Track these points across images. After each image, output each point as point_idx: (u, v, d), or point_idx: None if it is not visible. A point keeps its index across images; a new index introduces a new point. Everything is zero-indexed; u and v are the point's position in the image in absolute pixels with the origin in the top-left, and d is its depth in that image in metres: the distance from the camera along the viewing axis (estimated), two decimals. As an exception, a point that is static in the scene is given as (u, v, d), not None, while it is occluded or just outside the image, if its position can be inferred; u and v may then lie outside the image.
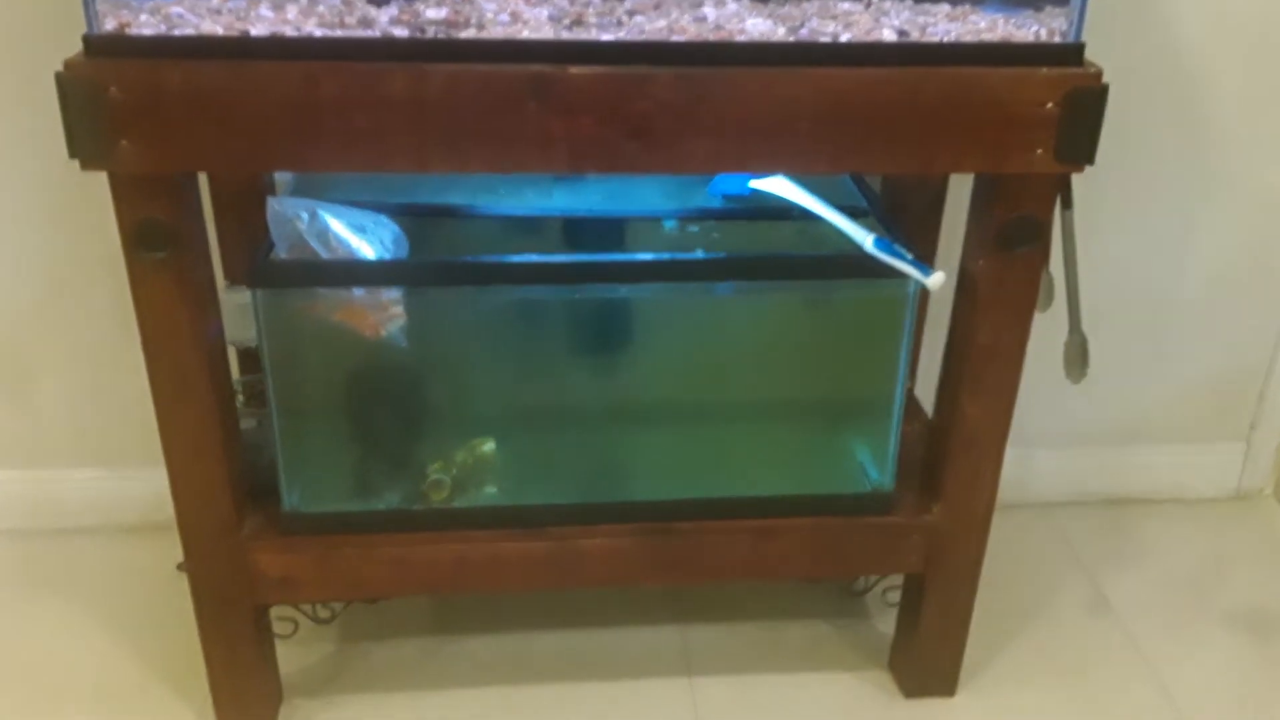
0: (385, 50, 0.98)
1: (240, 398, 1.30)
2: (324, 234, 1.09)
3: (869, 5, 1.10)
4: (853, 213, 1.21)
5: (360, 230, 1.11)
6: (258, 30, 0.98)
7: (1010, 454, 1.22)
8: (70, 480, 1.62)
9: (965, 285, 1.15)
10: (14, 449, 1.60)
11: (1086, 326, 1.22)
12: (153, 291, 1.05)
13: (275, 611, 1.30)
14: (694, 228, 1.27)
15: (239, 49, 0.96)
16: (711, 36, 1.02)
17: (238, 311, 1.17)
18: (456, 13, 1.04)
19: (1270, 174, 1.54)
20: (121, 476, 1.60)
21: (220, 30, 0.98)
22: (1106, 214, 1.54)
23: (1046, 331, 1.20)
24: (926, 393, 1.30)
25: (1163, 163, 1.53)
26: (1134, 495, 1.75)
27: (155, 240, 1.02)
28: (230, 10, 1.04)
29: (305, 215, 1.09)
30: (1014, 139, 1.01)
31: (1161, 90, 1.47)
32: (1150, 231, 1.58)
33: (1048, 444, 1.70)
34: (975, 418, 1.19)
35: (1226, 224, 1.58)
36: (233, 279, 1.29)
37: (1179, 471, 1.76)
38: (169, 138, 0.96)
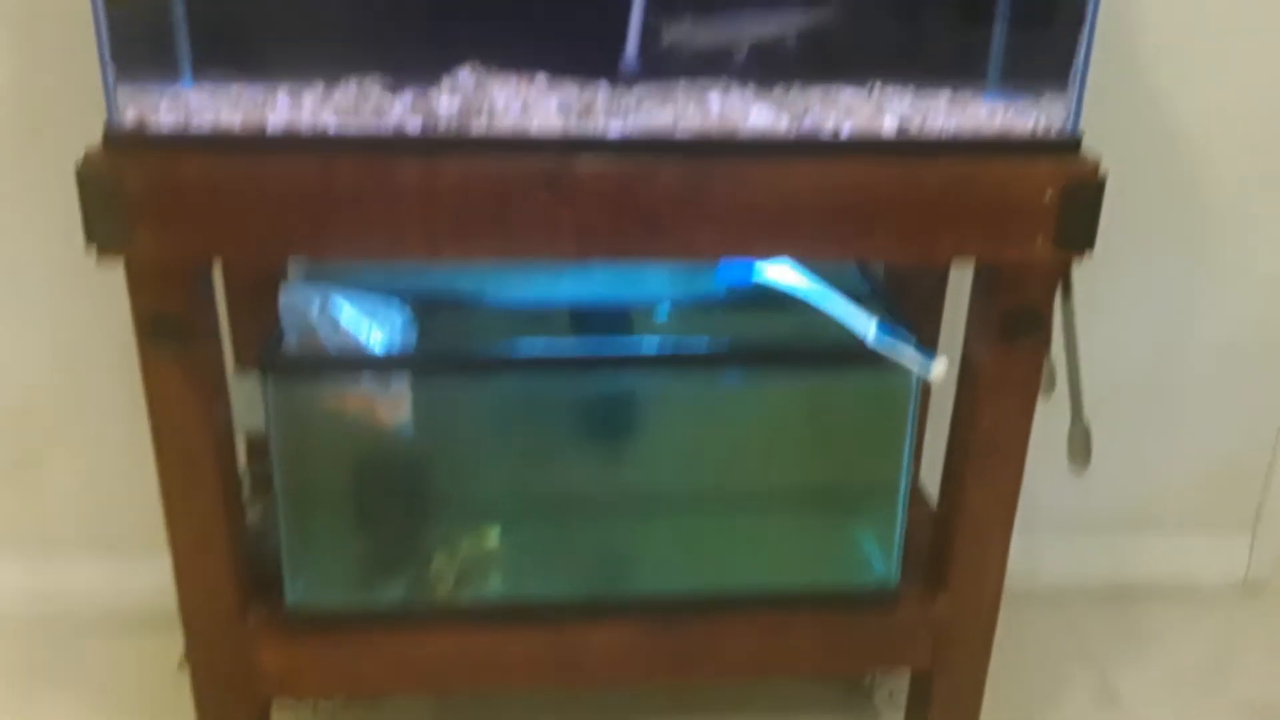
0: (398, 142, 1.00)
1: (246, 486, 1.29)
2: (334, 321, 1.10)
3: (870, 94, 1.14)
4: (857, 298, 1.22)
5: (371, 316, 1.13)
6: (275, 120, 1.01)
7: (1016, 542, 1.21)
8: (73, 568, 1.60)
9: (967, 374, 1.16)
10: (17, 535, 1.59)
11: (1090, 413, 1.22)
12: (164, 381, 1.06)
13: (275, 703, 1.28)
14: (700, 316, 1.28)
15: (255, 141, 0.99)
16: (716, 127, 1.05)
17: (248, 399, 1.18)
18: (468, 103, 1.07)
19: (1271, 259, 1.56)
20: (125, 565, 1.59)
21: (238, 120, 1.01)
22: (1107, 299, 1.55)
23: (1050, 418, 1.21)
24: (932, 478, 1.30)
25: (1163, 248, 1.55)
26: (1142, 583, 1.74)
27: (169, 330, 1.03)
28: (248, 100, 1.07)
29: (316, 302, 1.10)
30: (1014, 228, 1.03)
31: (1161, 176, 1.50)
32: (1152, 317, 1.59)
33: (1054, 532, 1.70)
34: (980, 507, 1.19)
35: (1228, 309, 1.59)
36: (244, 364, 1.29)
37: (1186, 560, 1.74)
38: (185, 227, 0.98)
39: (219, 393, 1.11)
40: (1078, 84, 1.02)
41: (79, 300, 1.45)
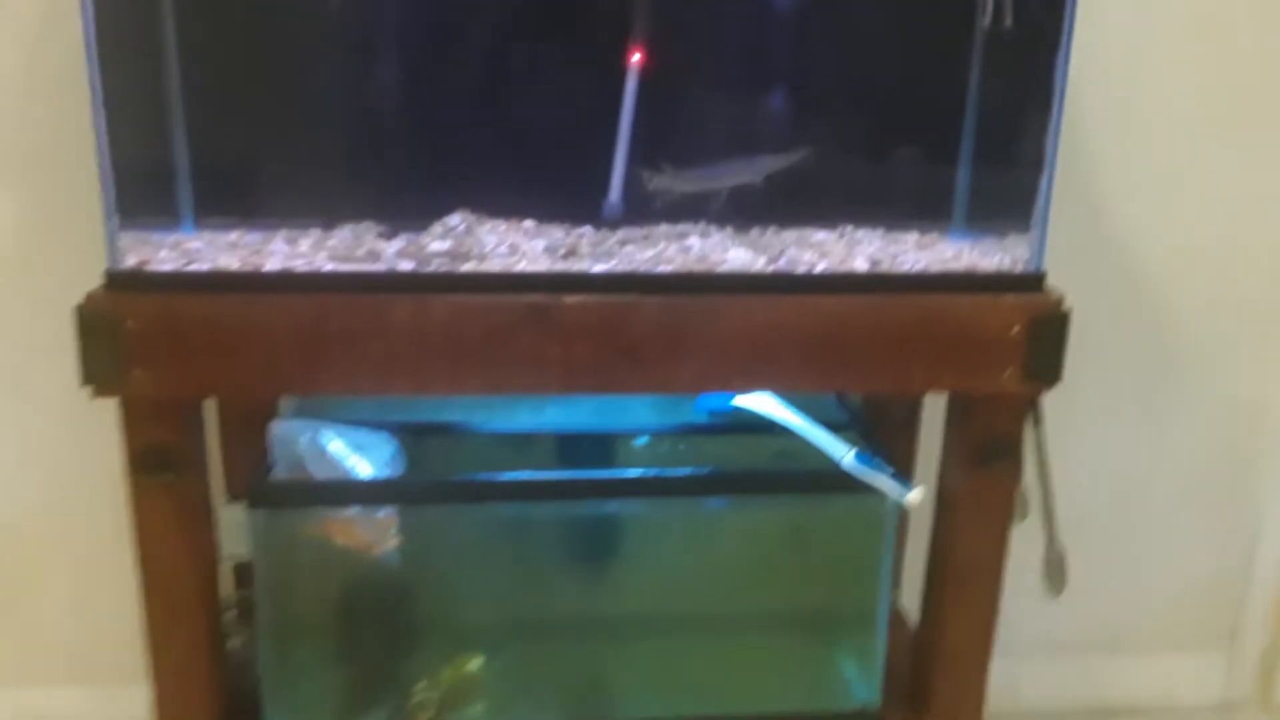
0: (390, 283, 1.04)
1: (230, 614, 1.29)
2: (323, 454, 1.12)
3: (842, 235, 1.19)
4: (834, 427, 1.25)
5: (359, 449, 1.15)
6: (271, 264, 1.05)
7: (996, 665, 1.22)
8: (57, 695, 1.58)
9: (943, 500, 1.19)
10: (2, 662, 1.57)
11: (1064, 537, 1.25)
12: (152, 513, 1.07)
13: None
14: (681, 443, 1.31)
15: (252, 284, 1.02)
16: (696, 266, 1.09)
17: (236, 528, 1.19)
18: (459, 245, 1.11)
19: (1234, 384, 1.61)
20: (109, 693, 1.57)
21: (236, 264, 1.05)
22: (1077, 425, 1.59)
23: (1026, 542, 1.23)
24: (912, 600, 1.31)
25: (1128, 376, 1.60)
26: (1121, 705, 1.74)
27: (159, 464, 1.05)
28: (246, 245, 1.11)
29: (306, 436, 1.12)
30: (984, 361, 1.07)
31: (1123, 307, 1.56)
32: (1121, 442, 1.63)
33: (1033, 654, 1.70)
34: (959, 631, 1.21)
35: (1195, 433, 1.63)
36: (233, 494, 1.31)
37: (1165, 681, 1.75)
38: (181, 366, 1.01)
39: (206, 524, 1.12)
40: (1040, 224, 1.08)
41: (69, 431, 1.47)
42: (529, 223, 1.17)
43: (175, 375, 1.01)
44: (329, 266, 1.05)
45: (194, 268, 1.04)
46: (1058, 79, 1.03)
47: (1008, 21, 1.08)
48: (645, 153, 1.13)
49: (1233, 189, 1.52)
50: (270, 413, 1.25)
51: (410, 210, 1.15)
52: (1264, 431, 1.64)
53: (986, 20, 1.10)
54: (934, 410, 1.30)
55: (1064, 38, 1.03)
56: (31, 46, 1.33)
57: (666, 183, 1.14)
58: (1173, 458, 1.64)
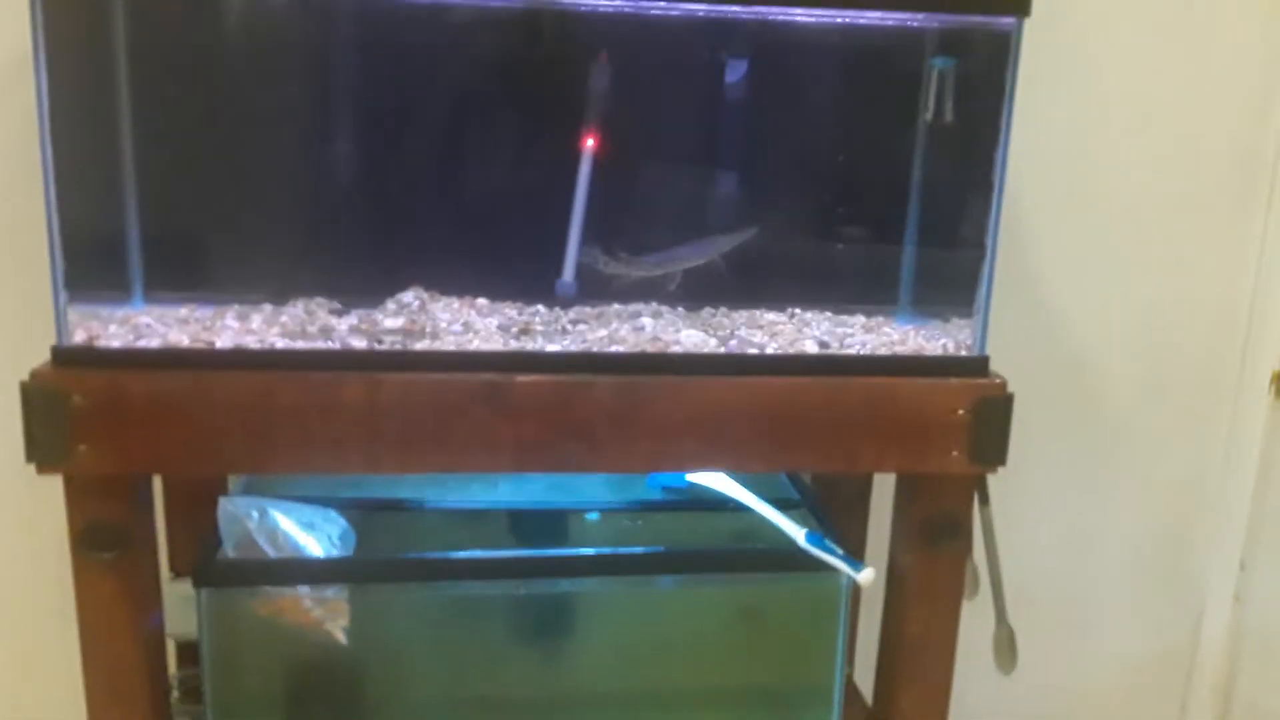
0: (342, 360, 1.04)
1: (175, 693, 1.27)
2: (273, 532, 1.11)
3: (792, 317, 1.21)
4: (785, 504, 1.26)
5: (309, 527, 1.14)
6: (223, 340, 1.05)
7: (950, 743, 1.22)
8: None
9: (894, 579, 1.20)
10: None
11: (1013, 616, 1.26)
12: (96, 591, 1.05)
13: None
14: (634, 520, 1.31)
15: (201, 360, 1.02)
16: (649, 346, 1.10)
17: (181, 605, 1.17)
18: (413, 322, 1.12)
19: (1172, 463, 1.65)
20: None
21: (186, 340, 1.04)
22: (1023, 505, 1.61)
23: (976, 620, 1.24)
24: (866, 675, 1.31)
25: (1072, 455, 1.62)
26: (1076, 781, 1.74)
27: (104, 541, 1.04)
28: (197, 320, 1.11)
29: (255, 514, 1.11)
30: (930, 443, 1.08)
31: (1066, 387, 1.59)
32: (1067, 520, 1.65)
33: (987, 729, 1.71)
34: (912, 708, 1.21)
35: (1138, 511, 1.66)
36: (178, 571, 1.29)
37: (1119, 756, 1.76)
38: (128, 443, 1.00)
39: (151, 602, 1.11)
40: (982, 309, 1.10)
41: (9, 504, 1.44)
42: (482, 301, 1.18)
43: (122, 451, 1.00)
44: (281, 343, 1.05)
45: (143, 343, 1.03)
46: (997, 170, 1.07)
47: (948, 116, 1.11)
48: (598, 233, 1.15)
49: (1166, 274, 1.57)
50: (218, 488, 1.24)
51: (364, 286, 1.15)
52: (1203, 509, 1.67)
53: (928, 115, 1.13)
54: (885, 488, 1.32)
55: (1003, 131, 1.06)
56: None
57: (621, 268, 1.15)
58: (1117, 536, 1.67)
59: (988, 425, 1.08)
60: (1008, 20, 1.03)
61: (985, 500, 1.18)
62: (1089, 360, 1.58)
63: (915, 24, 1.12)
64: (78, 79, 1.04)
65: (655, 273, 1.16)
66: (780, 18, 1.10)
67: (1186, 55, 1.49)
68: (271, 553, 1.11)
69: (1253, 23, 1.49)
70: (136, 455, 1.01)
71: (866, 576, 1.14)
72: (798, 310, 1.21)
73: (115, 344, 1.03)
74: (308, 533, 1.13)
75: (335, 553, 1.15)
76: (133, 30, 1.08)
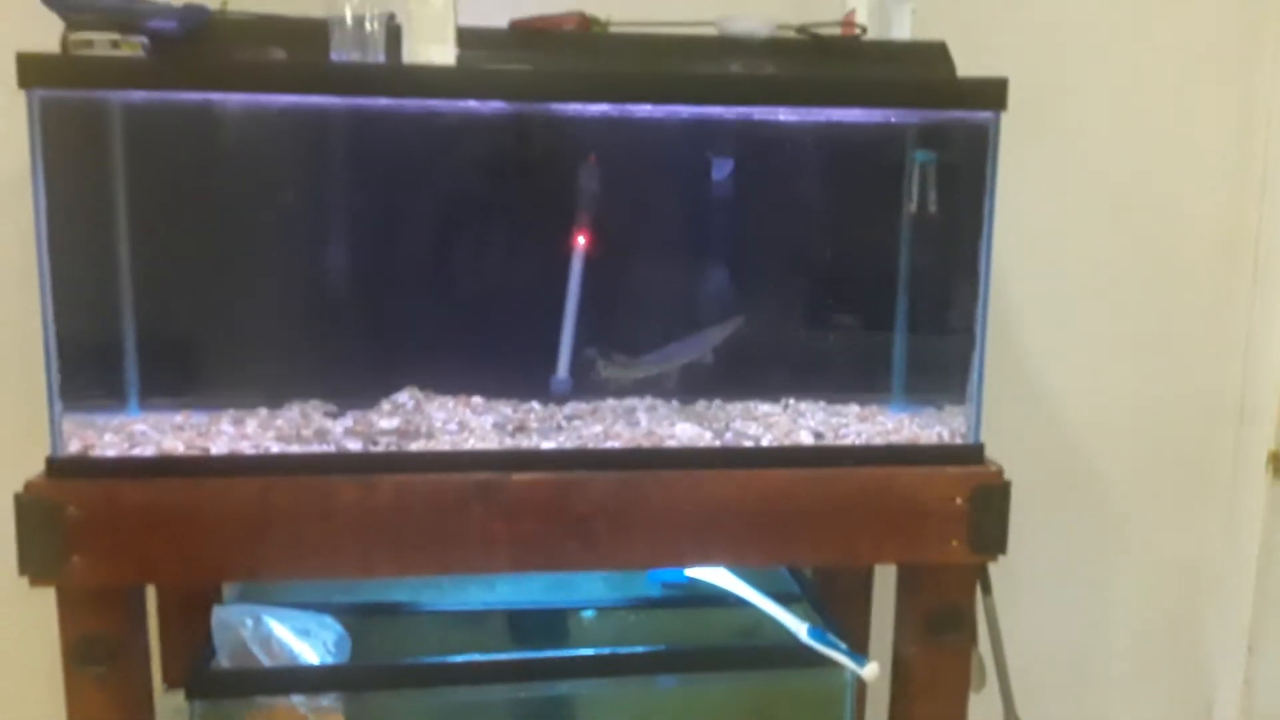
0: (337, 463, 1.04)
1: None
2: (267, 640, 1.10)
3: (786, 408, 1.21)
4: (786, 598, 1.25)
5: (304, 634, 1.12)
6: (218, 445, 1.05)
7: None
8: None
9: (899, 672, 1.18)
10: None
11: (1021, 707, 1.24)
12: (88, 704, 1.03)
13: None
14: (634, 617, 1.30)
15: (196, 467, 1.02)
16: (644, 441, 1.10)
17: (174, 718, 1.15)
18: (408, 423, 1.12)
19: (1173, 546, 1.63)
20: None
21: (181, 446, 1.04)
22: (1026, 592, 1.59)
23: (984, 712, 1.22)
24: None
25: (1071, 540, 1.61)
26: None
27: (97, 654, 1.02)
28: (192, 426, 1.11)
29: (249, 622, 1.10)
30: (929, 532, 1.08)
31: (1061, 471, 1.59)
32: (1071, 607, 1.63)
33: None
34: (922, 805, 1.18)
35: (1141, 595, 1.64)
36: (171, 682, 1.26)
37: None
38: (122, 553, 0.99)
39: (144, 715, 1.08)
40: (975, 397, 1.11)
41: (4, 618, 1.42)
42: (477, 399, 1.18)
43: (116, 563, 0.99)
44: (276, 447, 1.05)
45: (138, 452, 1.03)
46: (983, 258, 1.08)
47: (931, 207, 1.13)
48: (592, 330, 1.16)
49: (1156, 355, 1.58)
50: (213, 595, 1.22)
51: (359, 387, 1.16)
52: (1205, 591, 1.65)
53: (912, 206, 1.15)
54: (886, 577, 1.31)
55: (986, 220, 1.08)
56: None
57: (618, 371, 1.16)
58: (1122, 621, 1.65)
59: (986, 513, 1.08)
60: (986, 114, 1.06)
61: (988, 590, 1.17)
62: (1084, 444, 1.58)
63: (896, 120, 1.15)
64: (74, 193, 1.06)
65: (652, 372, 1.17)
66: (764, 117, 1.13)
67: (1166, 139, 1.52)
68: (266, 661, 1.10)
69: (1230, 105, 1.53)
70: (131, 566, 1.00)
71: (871, 672, 1.12)
72: (791, 401, 1.21)
73: (110, 453, 1.02)
74: (303, 640, 1.12)
75: (331, 659, 1.13)
76: (128, 143, 1.10)
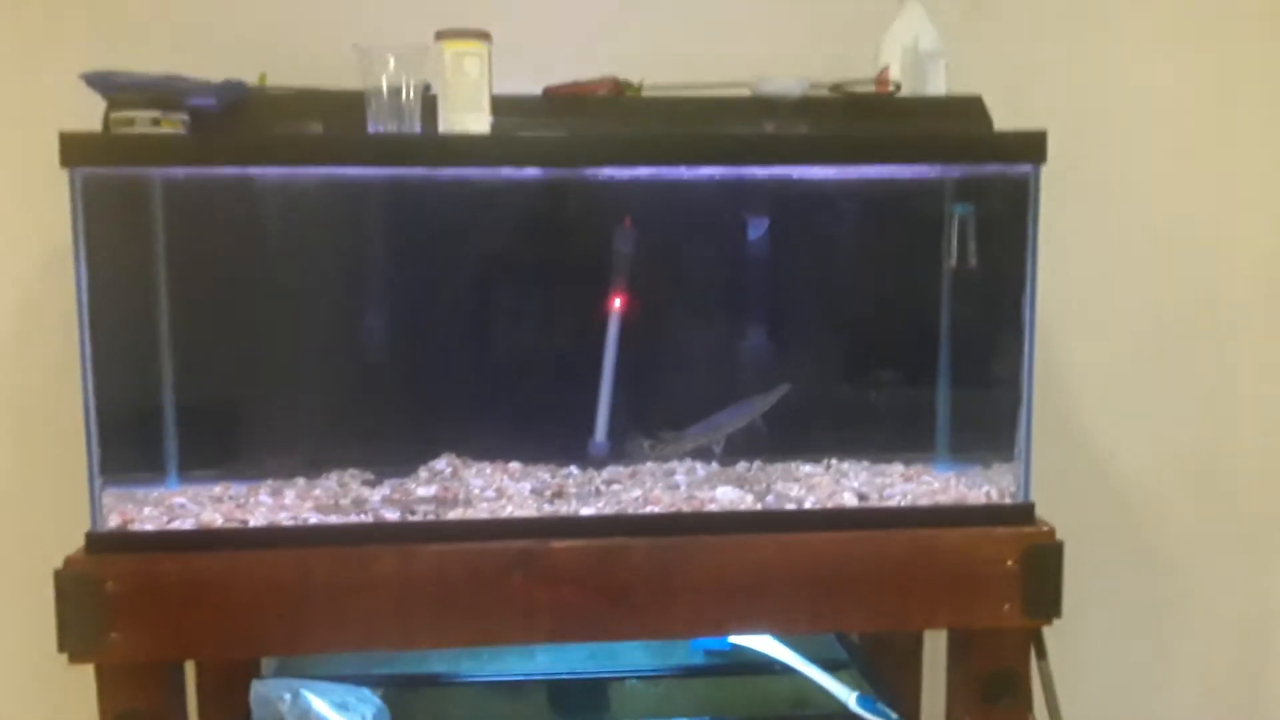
0: (375, 532, 1.03)
1: None
2: (305, 714, 1.08)
3: (828, 468, 1.19)
4: (833, 665, 1.22)
5: (343, 708, 1.10)
6: (256, 517, 1.04)
7: None
8: None
9: (953, 739, 1.14)
10: None
11: (1082, 773, 1.19)
12: (127, 783, 1.02)
13: None
14: (678, 686, 1.27)
15: (235, 540, 1.01)
16: (684, 506, 1.08)
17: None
18: (445, 490, 1.11)
19: (1235, 600, 1.58)
20: None
21: (220, 519, 1.04)
22: (1081, 653, 1.55)
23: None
24: None
25: (1127, 597, 1.56)
26: None
27: (135, 732, 1.01)
28: (231, 498, 1.11)
29: (287, 696, 1.08)
30: (980, 596, 1.05)
31: (1115, 526, 1.54)
32: (1129, 667, 1.58)
33: None
34: None
35: (1203, 651, 1.59)
36: (209, 758, 1.25)
37: None
38: (161, 628, 0.98)
39: (183, 793, 1.07)
40: (1023, 455, 1.08)
41: (42, 696, 1.41)
42: (515, 464, 1.17)
43: (155, 638, 0.98)
44: (314, 518, 1.04)
45: (177, 524, 1.03)
46: (1026, 311, 1.06)
47: (972, 260, 1.12)
48: (629, 394, 1.15)
49: (1207, 401, 1.54)
50: (252, 668, 1.21)
51: (396, 456, 1.15)
52: (1270, 645, 1.60)
53: (953, 260, 1.13)
54: (937, 640, 1.27)
55: (1029, 271, 1.06)
56: (23, 309, 1.36)
57: (664, 450, 1.15)
58: (1184, 680, 1.59)
59: (1039, 575, 1.05)
60: (1025, 167, 1.04)
61: (1042, 654, 1.13)
62: (1137, 497, 1.54)
63: (935, 176, 1.14)
64: (115, 268, 1.06)
65: (700, 443, 1.15)
66: (801, 176, 1.12)
67: (1208, 184, 1.50)
68: (305, 736, 1.08)
69: (1273, 147, 1.50)
70: (170, 641, 0.99)
71: (924, 741, 1.08)
72: (834, 461, 1.19)
73: (149, 527, 1.02)
74: (341, 714, 1.10)
75: (370, 733, 1.12)
76: (168, 218, 1.11)
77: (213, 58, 1.17)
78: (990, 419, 1.13)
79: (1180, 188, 1.49)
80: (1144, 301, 1.50)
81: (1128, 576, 1.55)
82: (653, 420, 1.18)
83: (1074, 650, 1.52)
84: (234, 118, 1.09)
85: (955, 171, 1.13)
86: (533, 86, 1.18)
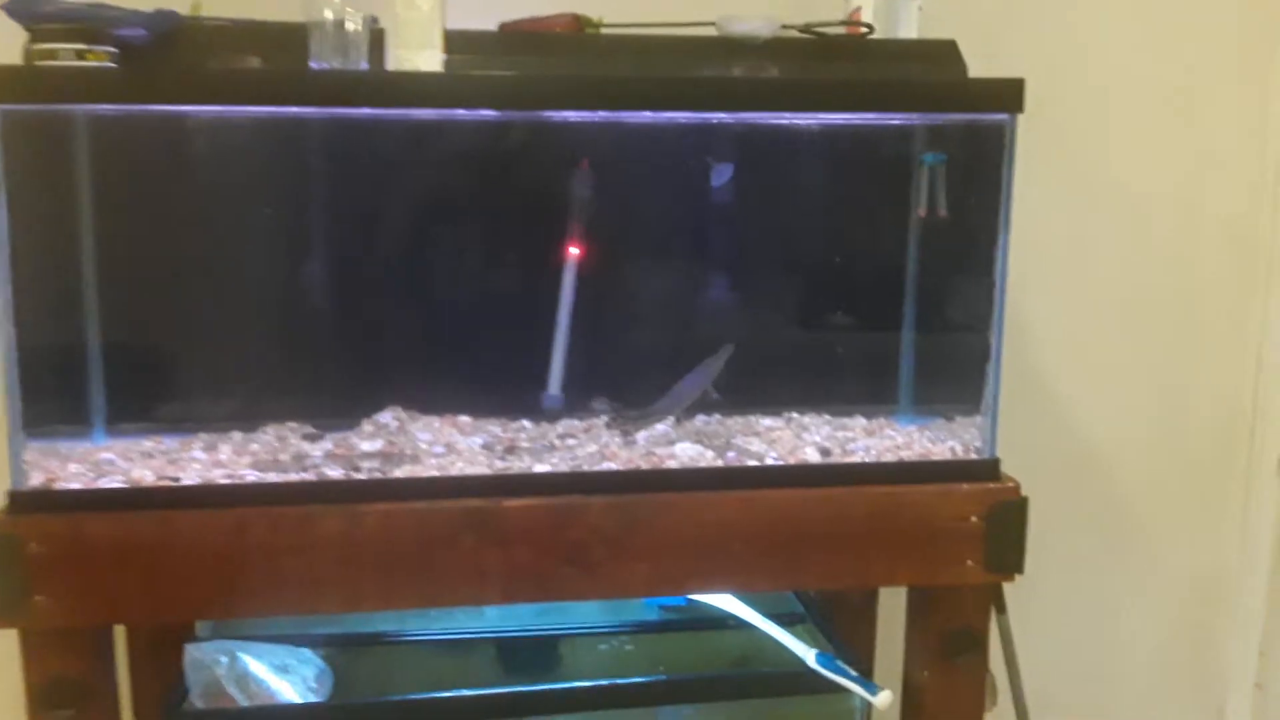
0: (318, 491, 0.98)
1: None
2: (243, 678, 1.03)
3: (789, 421, 1.16)
4: (789, 619, 1.20)
5: (282, 670, 1.06)
6: (189, 475, 0.98)
7: None
8: None
9: (910, 694, 1.13)
10: None
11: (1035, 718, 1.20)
12: (55, 752, 0.97)
13: None
14: (632, 643, 1.24)
15: (167, 499, 0.95)
16: (642, 462, 1.05)
17: (145, 763, 1.09)
18: (391, 445, 1.06)
19: (1188, 556, 1.60)
20: None
21: (151, 476, 0.98)
22: (1038, 606, 1.55)
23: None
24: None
25: (1084, 551, 1.57)
26: None
27: (63, 698, 0.95)
28: (162, 453, 1.05)
29: (224, 659, 1.04)
30: (943, 553, 1.03)
31: (1074, 484, 1.54)
32: (1084, 619, 1.60)
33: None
34: (936, 832, 1.13)
35: (1155, 604, 1.61)
36: (142, 723, 1.20)
37: None
38: (89, 592, 0.93)
39: (115, 760, 1.02)
40: (990, 411, 1.06)
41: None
42: (465, 418, 1.12)
43: (82, 602, 0.93)
44: (251, 475, 0.99)
45: (104, 482, 0.97)
46: (999, 264, 1.03)
47: (941, 211, 1.08)
48: (585, 344, 1.10)
49: (1169, 362, 1.54)
50: (185, 632, 1.16)
51: (338, 408, 1.10)
52: (1221, 602, 1.62)
53: (921, 211, 1.10)
54: (892, 594, 1.26)
55: (1002, 224, 1.03)
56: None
57: (628, 426, 1.10)
58: (1136, 631, 1.61)
59: (1003, 532, 1.03)
60: (1002, 117, 1.01)
61: (1002, 609, 1.12)
62: (1096, 453, 1.54)
63: (907, 123, 1.10)
64: (39, 208, 0.99)
65: (667, 419, 1.11)
66: (768, 121, 1.08)
67: (1180, 144, 1.49)
68: (242, 700, 1.03)
69: (1247, 111, 1.49)
70: (98, 606, 0.94)
71: (884, 700, 1.07)
72: (794, 414, 1.16)
73: (74, 485, 0.96)
74: (281, 677, 1.06)
75: (312, 697, 1.07)
76: (94, 156, 1.03)
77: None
78: (954, 372, 1.11)
79: (1151, 144, 1.48)
80: (1109, 258, 1.50)
81: (1083, 529, 1.56)
82: (609, 374, 1.14)
83: (1029, 602, 1.53)
84: (165, 50, 1.02)
85: (930, 119, 1.09)
86: (487, 22, 1.11)
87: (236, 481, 0.98)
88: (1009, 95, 0.99)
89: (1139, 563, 1.59)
